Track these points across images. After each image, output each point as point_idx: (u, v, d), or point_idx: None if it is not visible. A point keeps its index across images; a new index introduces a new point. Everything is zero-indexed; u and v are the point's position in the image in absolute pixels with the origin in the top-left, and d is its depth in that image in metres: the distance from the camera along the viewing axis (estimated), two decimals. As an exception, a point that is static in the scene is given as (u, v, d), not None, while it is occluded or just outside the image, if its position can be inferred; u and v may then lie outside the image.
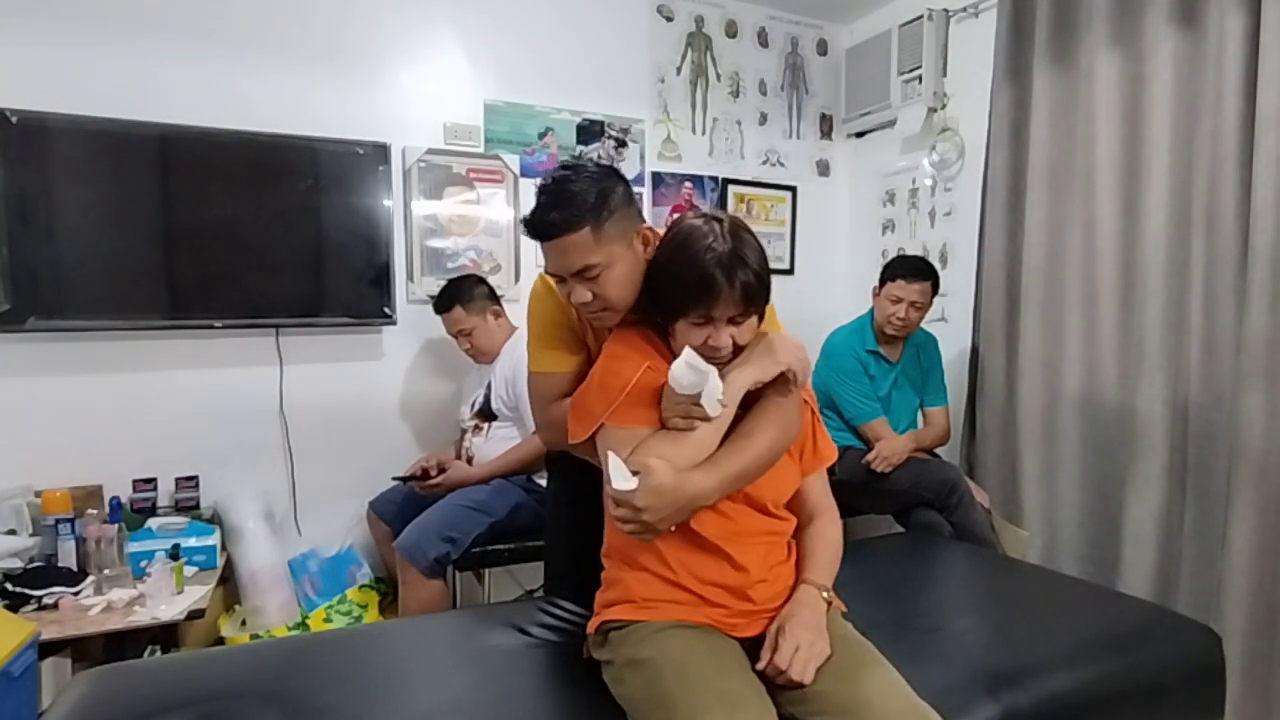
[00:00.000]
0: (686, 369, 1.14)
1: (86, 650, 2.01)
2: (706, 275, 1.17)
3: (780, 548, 1.32)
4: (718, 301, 1.17)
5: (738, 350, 1.24)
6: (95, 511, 2.20)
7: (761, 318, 1.25)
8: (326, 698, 1.23)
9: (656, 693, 1.11)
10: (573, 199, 1.24)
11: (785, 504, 1.34)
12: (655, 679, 1.13)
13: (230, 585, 2.43)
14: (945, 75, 3.07)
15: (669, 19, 3.25)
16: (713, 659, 1.16)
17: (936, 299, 2.61)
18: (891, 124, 3.27)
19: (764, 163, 3.50)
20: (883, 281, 2.59)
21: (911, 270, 2.55)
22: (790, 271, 3.56)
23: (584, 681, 1.29)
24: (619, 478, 1.13)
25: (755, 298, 1.20)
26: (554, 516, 1.78)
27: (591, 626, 1.32)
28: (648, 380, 1.22)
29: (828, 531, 1.36)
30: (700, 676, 1.11)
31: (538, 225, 1.26)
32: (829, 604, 1.27)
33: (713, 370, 1.16)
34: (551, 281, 1.40)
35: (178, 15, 2.47)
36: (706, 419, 1.18)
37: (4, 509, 2.15)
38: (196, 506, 2.47)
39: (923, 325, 2.68)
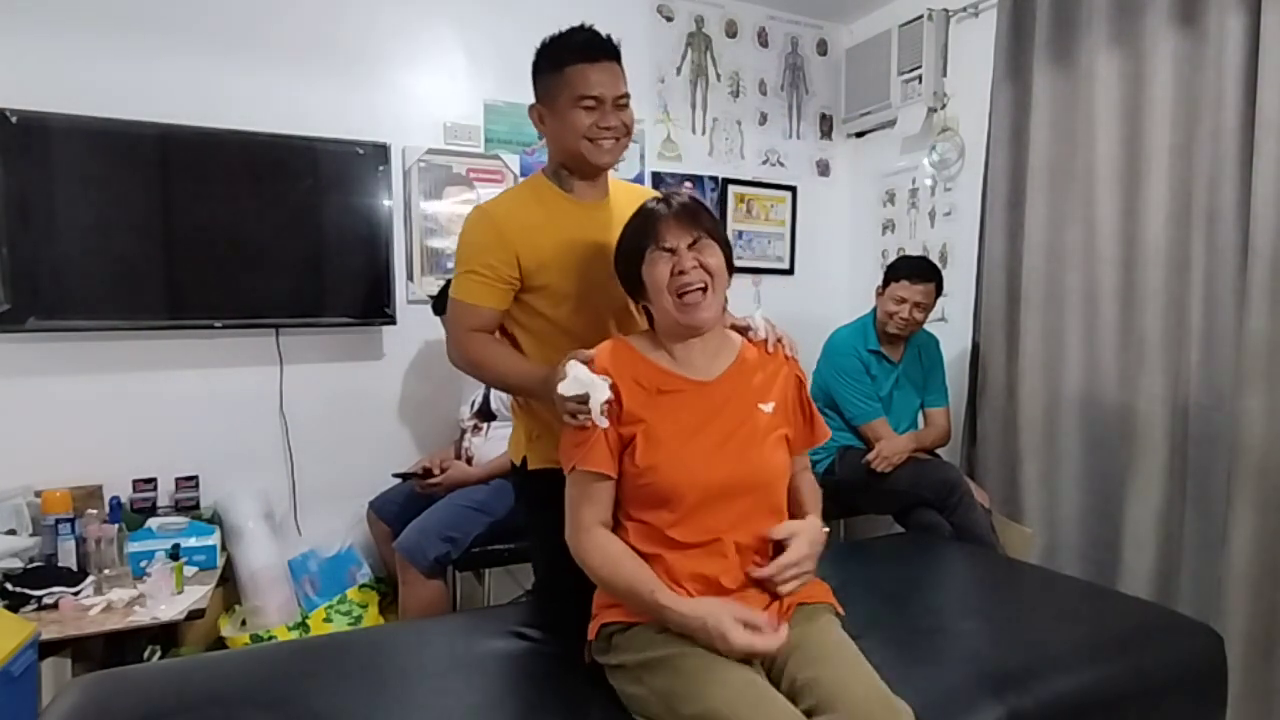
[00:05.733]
0: (572, 380, 1.24)
1: (86, 650, 2.01)
2: (646, 209, 1.35)
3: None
4: (660, 225, 1.29)
5: (712, 281, 1.28)
6: (95, 511, 2.20)
7: (731, 266, 1.32)
8: (324, 703, 1.23)
9: (685, 684, 1.13)
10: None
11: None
12: (680, 671, 1.14)
13: (230, 585, 2.42)
14: (945, 75, 3.06)
15: (669, 19, 3.24)
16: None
17: (937, 299, 2.61)
18: (891, 124, 3.27)
19: (764, 163, 3.49)
20: (886, 282, 2.59)
21: (916, 271, 2.55)
22: (790, 272, 3.56)
23: (582, 686, 1.29)
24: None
25: (698, 217, 1.31)
26: (531, 524, 1.70)
27: (592, 630, 1.31)
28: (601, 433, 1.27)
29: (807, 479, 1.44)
30: (727, 663, 1.14)
31: (596, 42, 1.53)
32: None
33: (598, 382, 1.24)
34: (500, 205, 1.56)
35: (178, 15, 2.46)
36: (590, 422, 1.25)
37: (4, 509, 2.15)
38: (196, 506, 2.47)
39: (924, 325, 2.68)
